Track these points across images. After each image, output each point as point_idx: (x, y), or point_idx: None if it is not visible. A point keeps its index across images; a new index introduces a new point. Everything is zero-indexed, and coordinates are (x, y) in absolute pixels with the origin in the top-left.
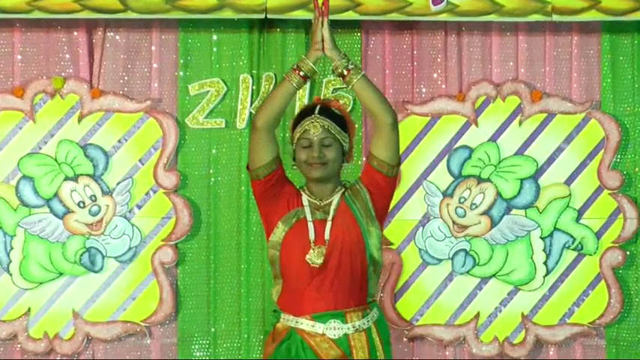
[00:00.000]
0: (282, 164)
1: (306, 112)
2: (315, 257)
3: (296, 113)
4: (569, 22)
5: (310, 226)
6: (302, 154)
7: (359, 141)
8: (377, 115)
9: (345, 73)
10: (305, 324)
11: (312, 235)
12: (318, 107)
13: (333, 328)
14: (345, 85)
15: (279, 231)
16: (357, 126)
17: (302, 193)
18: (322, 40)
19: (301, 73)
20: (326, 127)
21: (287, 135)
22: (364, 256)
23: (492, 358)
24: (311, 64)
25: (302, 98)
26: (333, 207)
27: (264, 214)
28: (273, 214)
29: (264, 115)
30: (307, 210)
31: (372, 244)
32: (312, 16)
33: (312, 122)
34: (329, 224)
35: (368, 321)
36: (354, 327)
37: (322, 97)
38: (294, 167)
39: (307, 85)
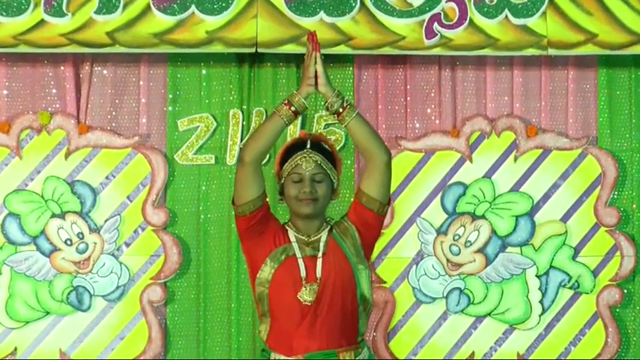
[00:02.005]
0: (267, 200)
1: (297, 146)
2: (306, 295)
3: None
4: (565, 56)
5: (300, 262)
6: (292, 189)
7: (351, 177)
8: (371, 153)
9: (341, 110)
10: None
11: (303, 273)
12: (309, 142)
13: None
14: (337, 122)
15: (268, 268)
16: (349, 162)
17: (288, 229)
18: (315, 76)
19: (292, 109)
20: (318, 162)
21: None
22: (355, 295)
23: None
24: (302, 99)
25: (293, 134)
26: (322, 243)
27: (247, 251)
28: (259, 250)
29: (252, 150)
30: (296, 246)
31: (362, 282)
32: (303, 50)
33: (305, 157)
34: (320, 261)
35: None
36: None
37: (314, 133)
38: (281, 202)
39: (298, 120)
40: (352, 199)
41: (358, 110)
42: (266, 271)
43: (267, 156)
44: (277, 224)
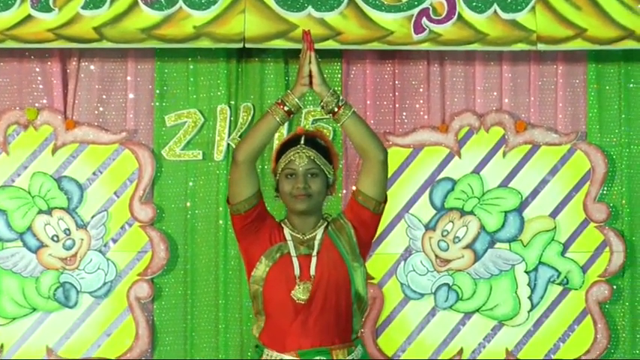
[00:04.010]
0: (262, 198)
1: (291, 142)
2: (300, 293)
3: (275, 144)
4: (554, 51)
5: (295, 261)
6: (286, 185)
7: (339, 173)
8: (368, 151)
9: (336, 110)
10: None
11: (297, 271)
12: (303, 137)
13: None
14: (327, 117)
15: (262, 266)
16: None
17: (283, 226)
18: (310, 75)
19: (285, 108)
20: (312, 157)
21: (266, 167)
22: (349, 293)
23: None
24: (296, 99)
25: (281, 129)
26: (317, 241)
27: (244, 249)
28: (255, 248)
29: (245, 150)
30: (291, 245)
31: (357, 280)
32: (291, 45)
33: (298, 152)
34: (314, 260)
35: (353, 358)
36: None
37: (304, 128)
38: (277, 198)
39: None
40: (349, 196)
41: (355, 109)
42: (261, 269)
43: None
44: (273, 222)
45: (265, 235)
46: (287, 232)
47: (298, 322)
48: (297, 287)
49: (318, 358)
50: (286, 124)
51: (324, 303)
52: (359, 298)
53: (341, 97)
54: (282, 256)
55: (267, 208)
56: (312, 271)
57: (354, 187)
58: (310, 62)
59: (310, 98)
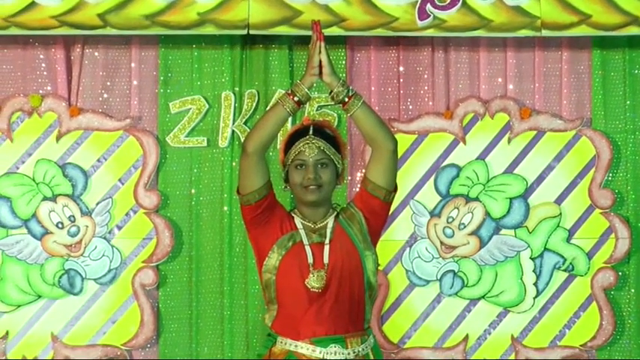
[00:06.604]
0: (272, 188)
1: (300, 132)
2: (314, 282)
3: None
4: (558, 37)
5: (308, 249)
6: (296, 176)
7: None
8: (378, 141)
9: (346, 100)
10: (304, 348)
11: (310, 259)
12: (312, 128)
13: (334, 353)
14: (331, 104)
15: (275, 255)
16: None
17: (294, 216)
18: (319, 65)
19: (295, 99)
20: (321, 148)
21: (270, 154)
22: (362, 281)
23: None
24: (306, 89)
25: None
26: (329, 229)
27: (254, 239)
28: (265, 238)
29: (255, 141)
30: (302, 233)
31: (369, 268)
32: (295, 31)
33: (308, 143)
34: (327, 247)
35: (367, 347)
36: (354, 352)
37: (309, 116)
38: (286, 189)
39: None
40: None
41: (364, 99)
42: (273, 258)
43: None
44: (283, 211)
45: (276, 225)
46: (298, 221)
47: (312, 310)
48: (311, 275)
49: (332, 345)
50: None
51: (339, 291)
52: (370, 286)
53: (351, 88)
54: (295, 245)
55: (276, 197)
56: (326, 259)
57: (362, 176)
58: (320, 52)
59: (315, 85)
